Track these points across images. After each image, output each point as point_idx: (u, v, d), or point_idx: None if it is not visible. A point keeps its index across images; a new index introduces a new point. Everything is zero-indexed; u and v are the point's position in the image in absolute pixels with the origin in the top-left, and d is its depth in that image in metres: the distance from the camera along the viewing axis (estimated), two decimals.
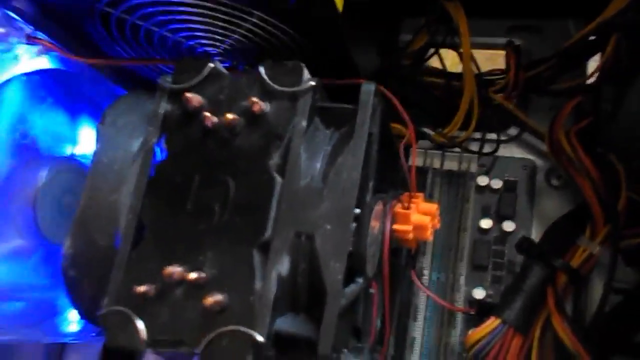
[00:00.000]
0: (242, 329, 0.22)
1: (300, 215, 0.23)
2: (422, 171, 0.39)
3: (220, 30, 0.31)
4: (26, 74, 0.29)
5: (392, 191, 0.30)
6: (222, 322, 0.22)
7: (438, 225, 0.30)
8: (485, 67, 0.41)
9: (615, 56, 0.32)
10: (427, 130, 0.39)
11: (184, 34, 0.32)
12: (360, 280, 0.26)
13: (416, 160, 0.39)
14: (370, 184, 0.26)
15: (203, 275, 0.23)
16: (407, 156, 0.32)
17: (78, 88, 0.35)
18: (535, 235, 0.37)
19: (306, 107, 0.24)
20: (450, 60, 0.42)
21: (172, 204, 0.25)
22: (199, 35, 0.32)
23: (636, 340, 0.33)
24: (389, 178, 0.31)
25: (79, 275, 0.26)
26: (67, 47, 0.31)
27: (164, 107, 0.26)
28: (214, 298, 0.22)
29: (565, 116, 0.34)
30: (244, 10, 0.28)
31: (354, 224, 0.24)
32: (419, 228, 0.28)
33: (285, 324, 0.23)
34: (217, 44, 0.32)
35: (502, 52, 0.40)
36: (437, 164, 0.39)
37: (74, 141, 0.36)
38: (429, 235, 0.29)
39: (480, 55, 0.41)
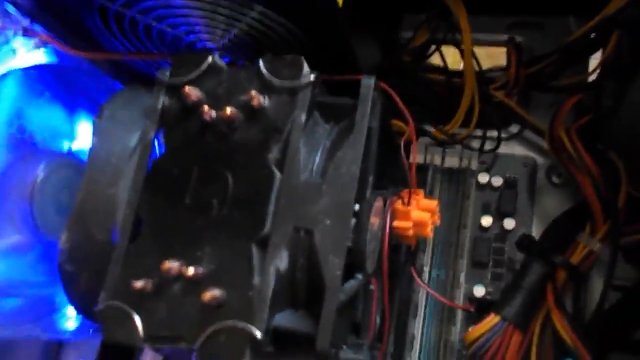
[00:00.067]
0: (241, 324, 0.22)
1: (299, 210, 0.23)
2: (422, 168, 0.39)
3: (220, 25, 0.31)
4: (23, 68, 0.29)
5: (393, 188, 0.30)
6: (220, 317, 0.22)
7: (438, 222, 0.30)
8: (486, 64, 0.41)
9: (616, 53, 0.32)
10: (427, 127, 0.39)
11: (183, 28, 0.31)
12: (359, 276, 0.26)
13: (417, 157, 0.39)
14: (370, 179, 0.26)
15: (201, 270, 0.23)
16: (407, 153, 0.32)
17: (76, 83, 0.34)
18: (536, 232, 0.37)
19: (306, 102, 0.24)
20: (451, 57, 0.42)
21: (170, 198, 0.24)
22: (198, 30, 0.32)
23: (635, 338, 0.33)
24: (389, 175, 0.31)
25: (76, 270, 0.26)
26: (65, 41, 0.31)
27: (162, 101, 0.26)
28: (212, 293, 0.22)
29: (565, 113, 0.34)
30: (244, 4, 0.27)
31: (354, 220, 0.24)
32: (419, 225, 0.28)
33: (284, 319, 0.23)
34: (217, 38, 0.32)
35: (503, 49, 0.40)
36: (437, 160, 0.39)
37: (71, 136, 0.35)
38: (429, 232, 0.29)
39: (481, 52, 0.41)
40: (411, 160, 0.32)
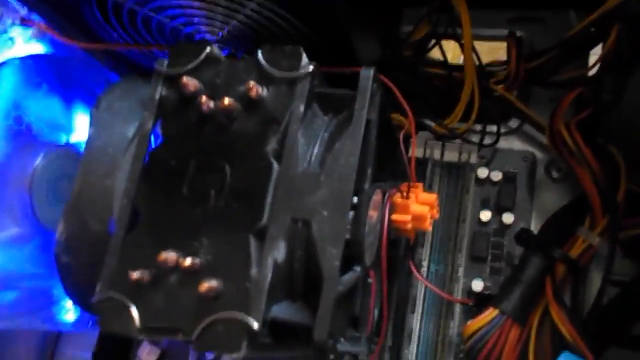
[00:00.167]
0: (238, 315, 0.21)
1: (297, 201, 0.23)
2: (421, 162, 0.39)
3: (219, 17, 0.30)
4: (20, 58, 0.29)
5: (392, 181, 0.30)
6: (217, 308, 0.22)
7: (437, 216, 0.30)
8: (486, 59, 0.40)
9: (616, 47, 0.32)
10: (427, 121, 0.39)
11: (182, 20, 0.31)
12: (357, 268, 0.26)
13: (416, 151, 0.38)
14: (369, 171, 0.26)
15: (198, 261, 0.23)
16: (407, 147, 0.32)
17: (73, 74, 0.34)
18: (535, 227, 0.37)
19: (304, 92, 0.24)
20: (451, 52, 0.41)
21: (167, 189, 0.24)
22: (197, 22, 0.32)
23: (633, 332, 0.33)
24: (389, 169, 0.31)
25: (72, 261, 0.26)
26: (63, 31, 0.31)
27: (160, 91, 0.25)
28: (209, 284, 0.22)
29: (565, 107, 0.34)
30: None
31: (352, 212, 0.24)
32: (417, 218, 0.28)
33: (282, 311, 0.23)
34: (216, 30, 0.32)
35: (504, 45, 0.40)
36: (437, 155, 0.39)
37: (69, 128, 0.35)
38: (427, 226, 0.29)
39: (481, 47, 0.40)
40: (410, 154, 0.32)
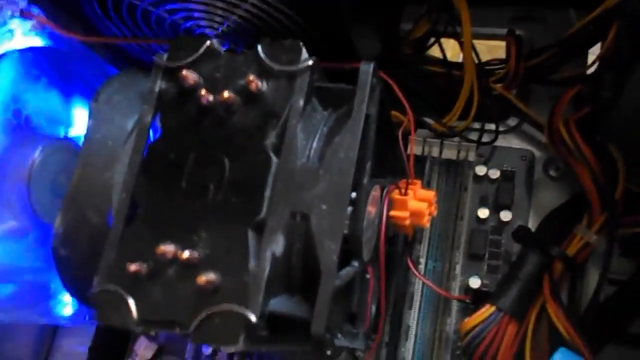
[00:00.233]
0: (235, 308, 0.21)
1: (295, 195, 0.23)
2: (420, 159, 0.39)
3: (219, 11, 0.30)
4: (19, 51, 0.29)
5: (391, 178, 0.30)
6: (215, 301, 0.22)
7: (435, 213, 0.30)
8: (485, 59, 0.40)
9: (616, 45, 0.32)
10: (426, 119, 0.39)
11: (182, 14, 0.31)
12: (355, 264, 0.26)
13: (415, 149, 0.38)
14: (368, 166, 0.26)
15: (196, 254, 0.23)
16: (405, 144, 0.32)
17: (72, 68, 0.34)
18: (532, 225, 0.37)
19: (304, 87, 0.24)
20: (450, 50, 0.41)
21: (166, 182, 0.24)
22: (196, 17, 0.32)
23: (630, 331, 0.33)
24: (387, 165, 0.31)
25: (70, 254, 0.26)
26: (62, 25, 0.31)
27: (160, 84, 0.25)
28: (207, 277, 0.22)
29: (564, 105, 0.34)
30: None
31: (350, 208, 0.24)
32: (416, 214, 0.28)
33: (280, 304, 0.23)
34: (215, 25, 0.32)
35: (503, 44, 0.40)
36: (435, 152, 0.39)
37: (67, 122, 0.35)
38: (425, 222, 0.29)
39: (481, 46, 0.40)
40: (409, 151, 0.32)
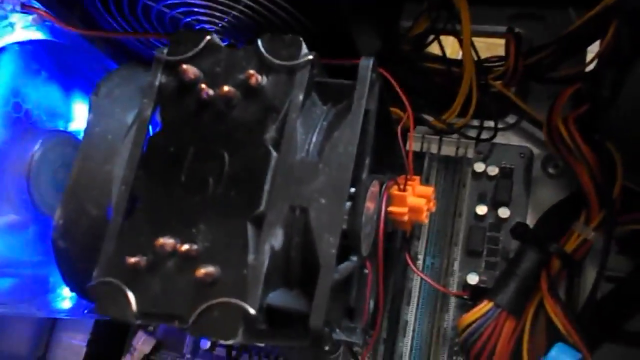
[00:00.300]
0: (234, 301, 0.22)
1: (295, 188, 0.23)
2: (419, 156, 0.39)
3: (219, 7, 0.30)
4: (19, 44, 0.29)
5: (390, 174, 0.30)
6: (213, 294, 0.22)
7: (433, 209, 0.30)
8: (485, 56, 0.41)
9: (615, 43, 0.32)
10: (425, 116, 0.39)
11: (182, 9, 0.31)
12: (354, 258, 0.26)
13: (413, 145, 0.39)
14: (367, 161, 0.26)
15: (195, 247, 0.23)
16: (405, 140, 0.32)
17: (72, 62, 0.34)
18: (530, 222, 0.37)
19: (304, 81, 0.24)
20: (450, 48, 0.42)
21: (165, 175, 0.24)
22: (197, 12, 0.32)
23: (627, 329, 0.33)
24: (386, 162, 0.31)
25: (70, 246, 0.26)
26: (62, 19, 0.31)
27: (160, 78, 0.25)
28: (206, 270, 0.22)
29: (563, 102, 0.34)
30: None
31: (349, 203, 0.24)
32: (414, 210, 0.28)
33: (278, 298, 0.23)
34: (216, 20, 0.32)
35: (502, 42, 0.40)
36: (434, 149, 0.39)
37: (67, 116, 0.35)
38: (424, 218, 0.29)
39: (480, 44, 0.40)
40: (408, 147, 0.32)
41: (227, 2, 0.30)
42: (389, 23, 0.41)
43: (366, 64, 0.25)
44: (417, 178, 0.30)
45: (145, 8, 0.31)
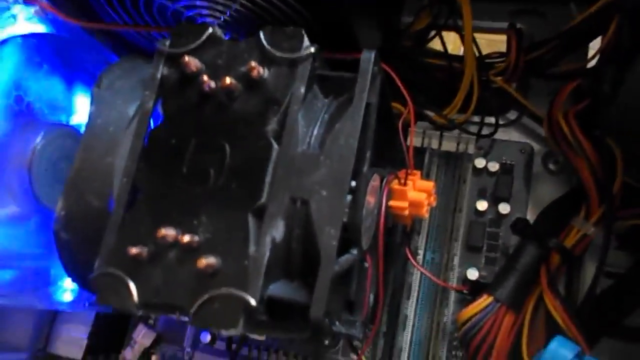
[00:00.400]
0: (235, 292, 0.22)
1: (296, 180, 0.23)
2: (420, 151, 0.39)
3: (221, 0, 0.30)
4: (22, 36, 0.29)
5: (390, 168, 0.30)
6: (214, 285, 0.22)
7: (434, 203, 0.30)
8: (486, 52, 0.41)
9: (616, 39, 0.32)
10: (426, 111, 0.39)
11: (184, 3, 0.31)
12: (354, 251, 0.26)
13: (414, 140, 0.39)
14: (368, 154, 0.26)
15: (197, 238, 0.23)
16: (405, 135, 0.32)
17: (74, 55, 0.34)
18: (530, 218, 0.37)
19: (305, 74, 0.24)
20: (451, 44, 0.42)
21: (167, 167, 0.24)
22: (199, 5, 0.32)
23: (626, 324, 0.34)
24: (387, 156, 0.31)
25: (71, 237, 0.26)
26: (64, 11, 0.31)
27: (162, 70, 0.26)
28: (207, 261, 0.22)
29: (564, 98, 0.34)
30: None
31: (350, 196, 0.24)
32: (415, 205, 0.28)
33: (279, 289, 0.23)
34: (218, 14, 0.32)
35: (503, 38, 0.40)
36: (435, 144, 0.39)
37: (69, 109, 0.35)
38: (424, 212, 0.29)
39: (481, 40, 0.41)
40: (409, 142, 0.32)
41: None
42: (390, 18, 0.41)
43: (368, 57, 0.25)
44: (418, 172, 0.30)
45: (147, 1, 0.31)
